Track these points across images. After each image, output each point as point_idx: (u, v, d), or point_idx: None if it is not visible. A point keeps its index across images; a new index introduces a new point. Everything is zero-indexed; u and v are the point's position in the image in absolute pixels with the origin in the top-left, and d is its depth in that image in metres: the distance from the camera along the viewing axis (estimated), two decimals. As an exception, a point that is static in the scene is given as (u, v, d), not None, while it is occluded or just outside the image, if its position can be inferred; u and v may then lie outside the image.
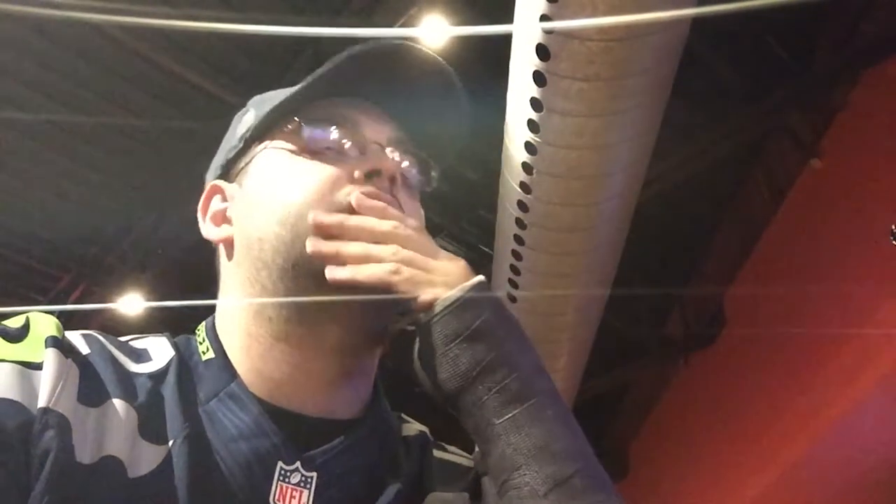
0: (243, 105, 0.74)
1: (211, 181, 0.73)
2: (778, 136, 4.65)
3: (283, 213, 0.63)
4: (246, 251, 0.66)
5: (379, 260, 0.59)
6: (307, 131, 0.66)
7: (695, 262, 5.73)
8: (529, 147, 2.88)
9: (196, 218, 0.73)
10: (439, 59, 0.69)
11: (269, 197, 0.65)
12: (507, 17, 2.63)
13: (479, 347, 0.56)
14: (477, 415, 0.55)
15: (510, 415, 0.54)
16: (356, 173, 0.65)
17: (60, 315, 0.66)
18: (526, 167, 2.98)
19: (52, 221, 5.12)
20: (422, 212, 0.71)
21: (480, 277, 0.59)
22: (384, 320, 0.65)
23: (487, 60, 3.40)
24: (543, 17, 2.40)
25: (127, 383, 0.59)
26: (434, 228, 0.78)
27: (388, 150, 0.68)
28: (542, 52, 2.53)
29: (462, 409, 0.56)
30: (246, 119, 0.71)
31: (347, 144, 0.67)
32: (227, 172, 0.72)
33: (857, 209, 3.83)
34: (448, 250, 0.63)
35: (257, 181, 0.67)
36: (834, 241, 4.02)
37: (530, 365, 0.57)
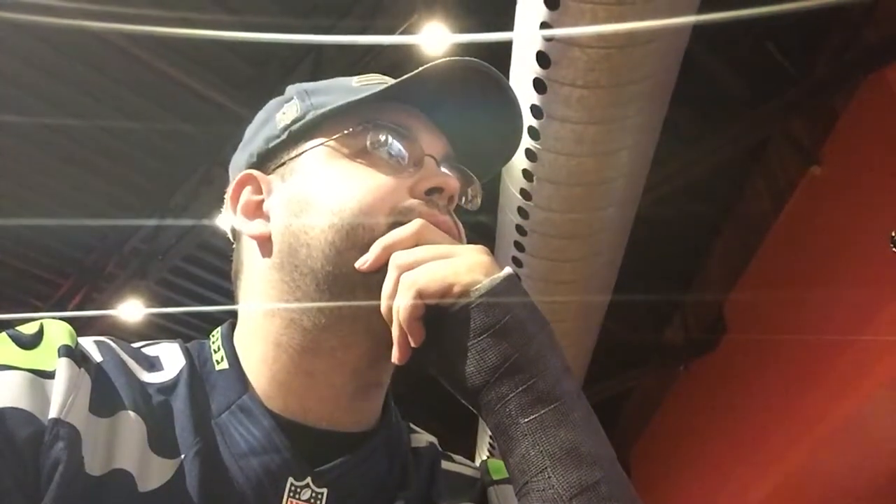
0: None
1: (243, 169, 0.69)
2: (778, 143, 4.65)
3: (339, 220, 0.61)
4: (289, 255, 0.63)
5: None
6: (370, 137, 0.64)
7: (695, 269, 5.73)
8: (530, 154, 2.88)
9: (222, 208, 0.70)
10: (504, 80, 0.67)
11: (322, 200, 0.62)
12: (508, 24, 2.63)
13: (507, 343, 0.53)
14: (501, 412, 0.53)
15: (536, 415, 0.52)
16: (419, 188, 0.63)
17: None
18: (526, 174, 2.98)
19: (53, 228, 5.12)
20: (463, 231, 0.69)
21: (509, 270, 0.57)
22: None
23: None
24: (544, 25, 2.41)
25: (138, 394, 0.58)
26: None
27: (441, 166, 0.67)
28: (542, 59, 2.53)
29: (484, 405, 0.54)
30: (288, 109, 0.67)
31: (405, 155, 0.65)
32: (263, 163, 0.68)
33: (857, 215, 3.83)
34: None
35: (308, 180, 0.64)
36: (834, 248, 4.01)
37: (557, 365, 0.55)
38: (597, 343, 4.33)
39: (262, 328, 0.63)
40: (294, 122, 0.66)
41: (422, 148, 0.66)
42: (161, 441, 0.56)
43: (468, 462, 0.73)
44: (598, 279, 3.59)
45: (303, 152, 0.66)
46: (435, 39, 3.48)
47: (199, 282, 5.61)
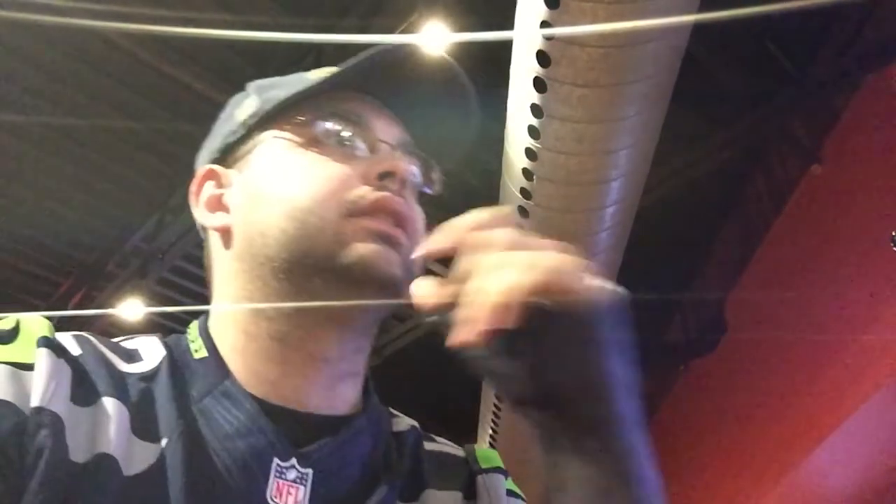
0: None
1: (205, 165, 0.70)
2: (778, 142, 4.65)
3: (291, 208, 0.61)
4: (247, 244, 0.64)
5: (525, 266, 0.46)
6: (320, 125, 0.65)
7: (695, 268, 5.73)
8: (530, 153, 2.88)
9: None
10: (453, 63, 0.68)
11: (274, 190, 0.63)
12: (508, 23, 2.63)
13: (607, 360, 0.48)
14: (556, 430, 0.49)
15: (595, 439, 0.48)
16: (370, 173, 0.63)
17: (61, 320, 0.65)
18: (526, 173, 2.98)
19: (53, 227, 5.12)
20: (422, 214, 0.68)
21: (619, 288, 0.50)
22: (380, 318, 0.65)
23: (488, 67, 3.41)
24: (544, 24, 2.41)
25: (118, 382, 0.58)
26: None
27: (396, 151, 0.67)
28: (542, 58, 2.53)
29: (542, 421, 0.49)
30: (247, 104, 0.69)
31: (358, 142, 0.65)
32: (224, 157, 0.70)
33: (857, 215, 3.83)
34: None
35: (262, 171, 0.66)
36: (834, 247, 4.01)
37: (633, 391, 0.51)
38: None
39: (231, 317, 0.65)
40: (251, 116, 0.68)
41: (374, 134, 0.66)
42: (144, 425, 0.57)
43: (449, 442, 0.74)
44: (598, 279, 3.58)
45: (258, 144, 0.67)
46: (435, 39, 3.48)
47: (198, 281, 5.58)
